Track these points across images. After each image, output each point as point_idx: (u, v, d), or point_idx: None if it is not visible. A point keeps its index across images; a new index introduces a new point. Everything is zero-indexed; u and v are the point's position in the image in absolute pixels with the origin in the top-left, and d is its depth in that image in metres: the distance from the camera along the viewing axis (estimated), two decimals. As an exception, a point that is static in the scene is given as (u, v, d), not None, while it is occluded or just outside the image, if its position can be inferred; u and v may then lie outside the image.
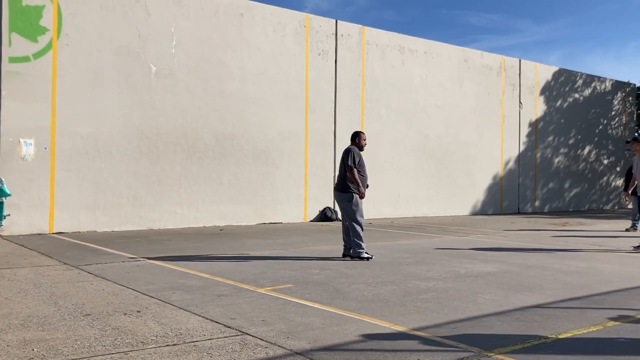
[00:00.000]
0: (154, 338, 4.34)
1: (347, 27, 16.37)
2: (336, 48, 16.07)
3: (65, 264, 7.79)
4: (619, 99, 25.11)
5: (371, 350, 4.13)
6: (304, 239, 11.35)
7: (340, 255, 8.77)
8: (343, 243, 8.73)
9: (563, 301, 5.83)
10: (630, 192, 11.21)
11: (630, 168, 14.32)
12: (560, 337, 4.50)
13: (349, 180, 8.36)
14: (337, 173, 8.75)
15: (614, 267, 8.08)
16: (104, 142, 12.32)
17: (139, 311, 5.16)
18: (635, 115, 26.38)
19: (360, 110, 16.57)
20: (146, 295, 5.84)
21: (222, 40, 13.98)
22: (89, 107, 12.15)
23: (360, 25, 16.69)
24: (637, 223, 13.82)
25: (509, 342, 4.34)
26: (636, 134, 10.60)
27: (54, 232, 11.69)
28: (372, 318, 5.02)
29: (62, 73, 11.82)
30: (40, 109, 11.59)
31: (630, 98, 25.75)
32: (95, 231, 12.12)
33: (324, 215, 15.64)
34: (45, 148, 11.64)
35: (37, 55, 11.58)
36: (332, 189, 15.88)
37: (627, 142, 10.74)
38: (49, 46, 11.68)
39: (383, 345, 4.25)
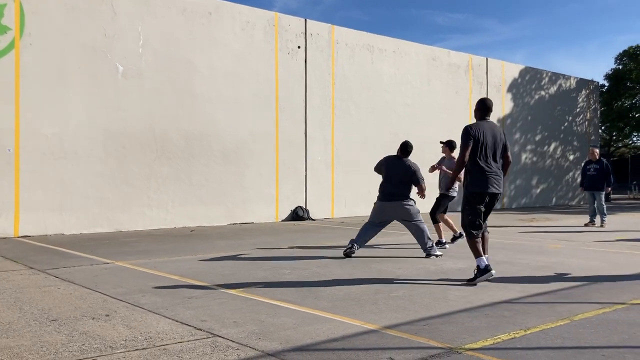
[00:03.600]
0: (123, 342, 4.27)
1: (316, 26, 16.36)
2: (306, 47, 16.05)
3: (31, 268, 7.61)
4: (584, 96, 25.65)
5: (343, 349, 4.13)
6: (276, 238, 11.31)
7: (310, 254, 8.77)
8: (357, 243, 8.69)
9: (531, 296, 5.92)
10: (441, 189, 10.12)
11: (586, 163, 14.66)
12: (529, 331, 4.57)
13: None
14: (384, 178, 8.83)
15: (580, 262, 8.24)
16: (70, 143, 12.09)
17: (107, 315, 5.07)
18: (598, 112, 26.98)
19: (331, 109, 16.59)
20: (115, 298, 5.75)
21: (190, 39, 13.84)
22: (54, 108, 11.91)
23: (330, 25, 16.71)
24: (604, 217, 14.13)
25: (479, 337, 4.39)
26: (450, 139, 10.21)
27: (20, 235, 11.43)
28: (344, 317, 5.02)
29: (25, 73, 11.56)
30: (3, 110, 11.31)
31: (594, 95, 26.33)
32: (63, 234, 11.89)
33: (296, 215, 15.61)
34: (9, 150, 11.37)
35: (-1, 55, 11.31)
36: (303, 189, 15.91)
37: (441, 143, 10.43)
38: (11, 46, 11.41)
39: (355, 344, 4.26)
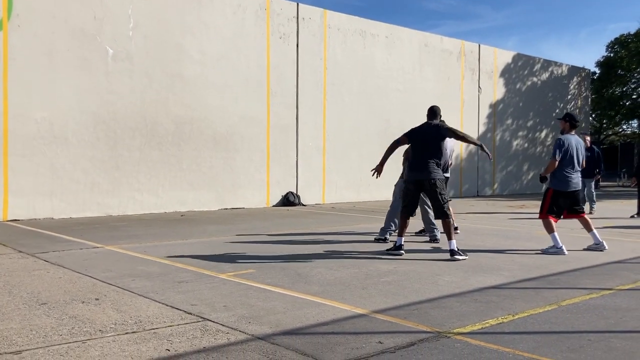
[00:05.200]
0: (112, 326, 4.27)
1: (308, 11, 16.25)
2: (298, 31, 15.96)
3: (20, 252, 7.58)
4: (575, 83, 25.71)
5: (332, 333, 4.15)
6: (266, 224, 11.31)
7: (301, 239, 8.79)
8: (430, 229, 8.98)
9: (519, 282, 5.97)
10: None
11: None
12: (517, 316, 4.61)
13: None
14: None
15: (569, 248, 8.28)
16: (59, 127, 12.00)
17: (97, 299, 5.07)
18: (589, 100, 27.08)
19: (323, 95, 16.53)
20: (105, 282, 5.74)
21: (180, 22, 13.71)
22: (43, 91, 11.79)
23: (322, 9, 16.61)
24: (593, 204, 14.20)
25: (468, 322, 4.42)
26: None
27: (9, 219, 11.37)
28: (333, 301, 5.04)
29: (13, 56, 11.42)
30: (-9, 92, 11.19)
31: (585, 83, 26.41)
32: (52, 218, 11.84)
33: (287, 200, 15.61)
34: (-3, 133, 11.26)
35: (-13, 36, 11.16)
36: (295, 174, 15.91)
37: None
38: (-1, 27, 11.26)
39: (344, 327, 4.28)
